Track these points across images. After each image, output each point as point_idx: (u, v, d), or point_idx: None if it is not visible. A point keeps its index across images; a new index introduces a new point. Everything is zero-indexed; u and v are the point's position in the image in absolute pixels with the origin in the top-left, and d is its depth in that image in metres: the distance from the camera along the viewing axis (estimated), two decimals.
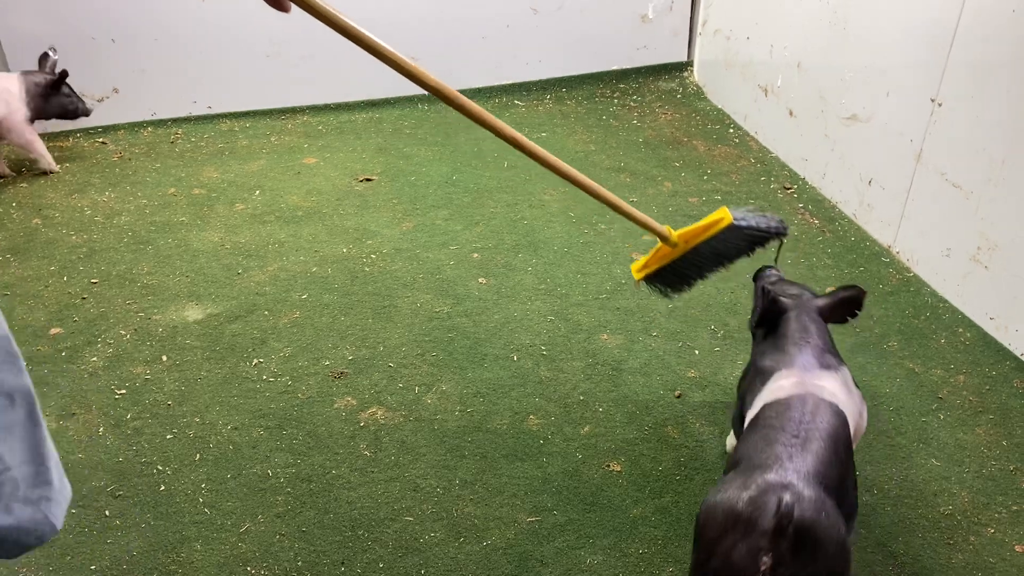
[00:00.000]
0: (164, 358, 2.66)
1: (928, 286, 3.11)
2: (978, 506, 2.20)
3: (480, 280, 3.09)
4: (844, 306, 2.11)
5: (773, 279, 2.35)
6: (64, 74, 3.69)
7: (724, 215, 2.21)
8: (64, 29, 4.08)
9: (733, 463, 1.76)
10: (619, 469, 2.29)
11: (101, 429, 2.38)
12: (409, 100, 4.72)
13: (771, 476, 1.60)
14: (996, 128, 2.74)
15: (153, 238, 3.33)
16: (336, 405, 2.49)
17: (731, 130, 4.46)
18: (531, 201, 3.68)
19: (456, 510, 2.15)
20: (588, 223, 3.49)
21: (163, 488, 2.20)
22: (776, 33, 4.05)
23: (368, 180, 3.85)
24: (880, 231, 3.39)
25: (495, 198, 3.69)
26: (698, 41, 4.96)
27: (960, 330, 2.88)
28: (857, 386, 1.99)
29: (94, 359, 2.65)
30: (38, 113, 3.73)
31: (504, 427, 2.42)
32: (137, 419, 2.42)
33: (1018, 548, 2.08)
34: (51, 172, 3.81)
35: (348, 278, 3.08)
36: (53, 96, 3.72)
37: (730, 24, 4.53)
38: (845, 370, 1.96)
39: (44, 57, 3.75)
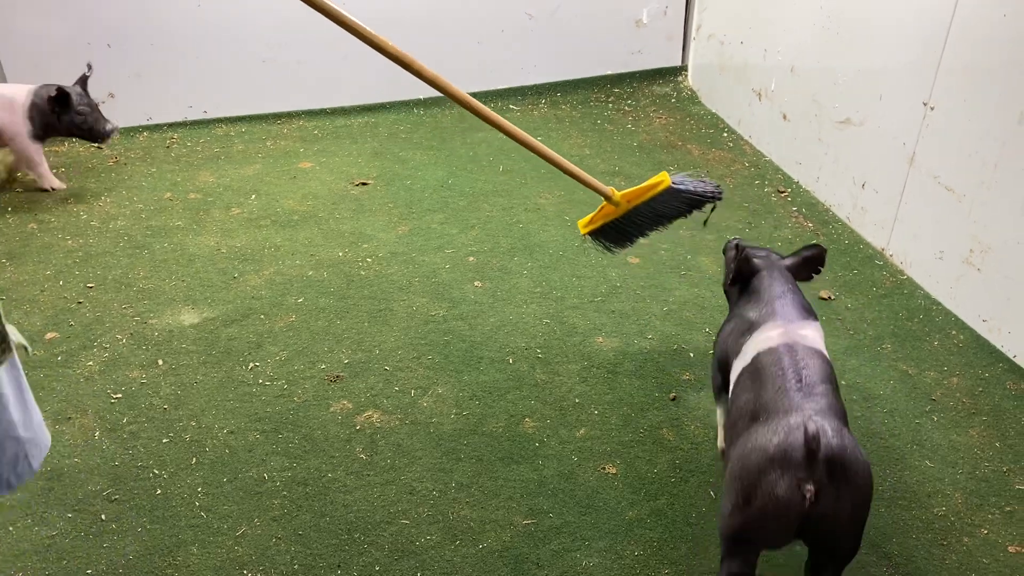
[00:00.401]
0: (160, 362, 2.67)
1: (921, 288, 3.12)
2: (971, 507, 2.21)
3: (476, 283, 3.10)
4: (809, 264, 2.32)
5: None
6: (60, 90, 3.46)
7: (663, 179, 2.47)
8: (59, 34, 4.08)
9: (738, 413, 1.91)
10: (614, 471, 2.29)
11: (97, 433, 2.38)
12: (404, 104, 4.73)
13: (792, 419, 1.72)
14: (988, 131, 2.75)
15: (149, 243, 3.33)
16: (332, 409, 2.49)
17: (725, 134, 4.47)
18: (527, 205, 3.69)
19: (452, 513, 2.16)
20: None
21: (159, 492, 2.20)
22: (769, 37, 4.07)
23: (364, 184, 3.86)
24: (874, 234, 3.41)
25: (491, 202, 3.70)
26: (692, 46, 4.98)
27: (953, 332, 2.90)
28: None
29: (90, 363, 2.65)
30: (45, 130, 3.55)
31: (500, 430, 2.43)
32: (133, 423, 2.42)
33: (1011, 549, 2.09)
34: (53, 189, 3.70)
35: (344, 282, 3.09)
36: (63, 113, 3.50)
37: (724, 29, 4.55)
38: (818, 323, 2.12)
39: (84, 74, 3.59)
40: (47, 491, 2.18)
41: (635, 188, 2.52)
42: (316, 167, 4.01)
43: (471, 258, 3.26)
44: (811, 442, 1.61)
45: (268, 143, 4.26)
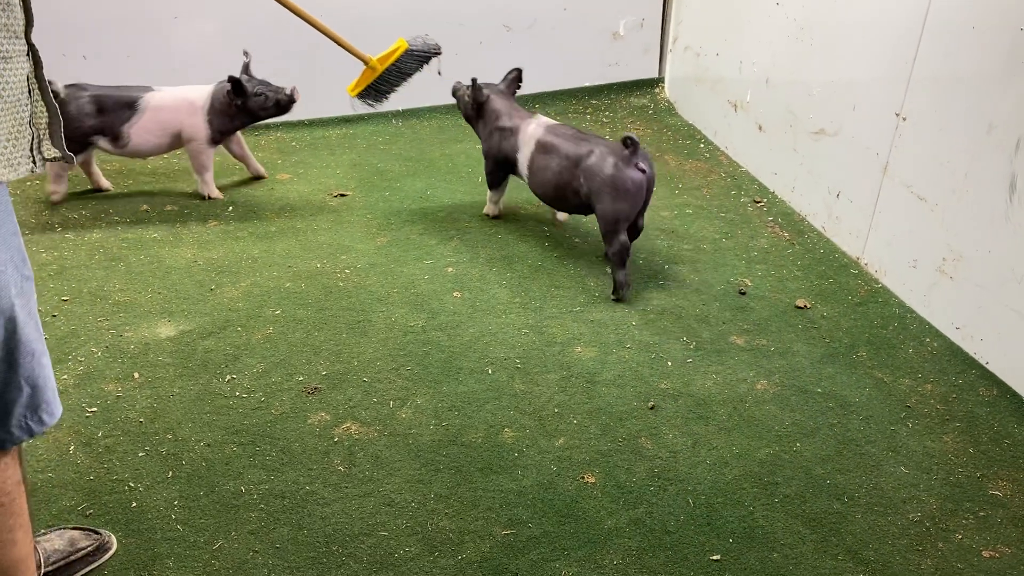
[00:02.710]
0: (136, 375, 2.64)
1: (896, 297, 3.16)
2: (946, 513, 2.23)
3: (455, 294, 3.10)
4: (514, 83, 3.59)
5: (465, 86, 3.56)
6: (232, 79, 3.53)
7: (402, 43, 3.45)
8: (36, 44, 4.05)
9: (556, 172, 3.19)
10: (593, 481, 2.30)
11: (72, 448, 2.35)
12: (383, 116, 4.73)
13: (606, 147, 3.07)
14: (958, 141, 2.80)
15: (125, 255, 3.30)
16: (310, 421, 2.48)
17: (702, 145, 4.51)
18: (505, 215, 3.70)
19: (431, 524, 2.15)
20: (562, 237, 3.52)
21: (135, 505, 2.18)
22: (745, 49, 4.12)
23: (342, 195, 3.85)
24: (848, 243, 3.45)
25: (469, 212, 3.71)
26: (669, 58, 5.03)
27: (927, 340, 2.93)
28: None
29: (64, 377, 2.62)
30: (222, 132, 3.62)
31: (479, 440, 2.43)
32: (108, 437, 2.39)
33: (985, 554, 2.11)
34: (210, 198, 3.74)
35: (322, 293, 3.08)
36: (246, 101, 3.57)
37: (700, 41, 4.59)
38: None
39: (245, 60, 3.64)
40: None
41: (385, 52, 3.43)
42: (294, 179, 4.00)
43: (450, 269, 3.26)
44: (631, 141, 2.94)
45: None
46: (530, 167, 3.28)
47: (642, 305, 3.07)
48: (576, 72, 5.04)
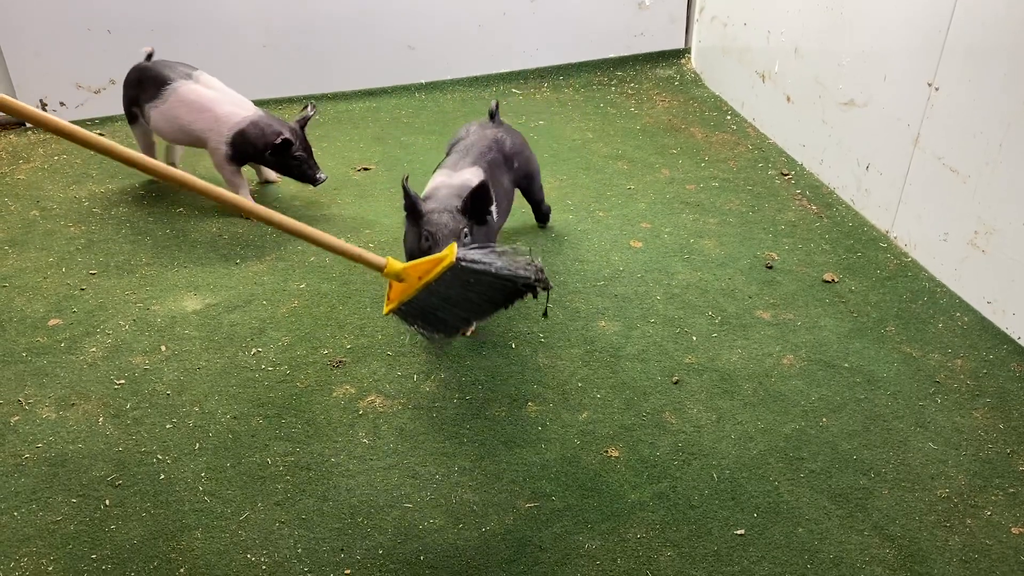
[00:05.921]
0: (163, 348, 2.67)
1: (926, 271, 3.11)
2: (975, 489, 2.21)
3: None
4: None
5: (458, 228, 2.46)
6: (284, 144, 3.22)
7: (450, 252, 1.99)
8: (60, 20, 4.07)
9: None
10: (617, 455, 2.29)
11: (101, 419, 2.39)
12: (406, 89, 4.71)
13: (495, 133, 2.94)
14: (993, 112, 2.73)
15: (151, 229, 3.33)
16: (335, 393, 2.49)
17: (729, 117, 4.45)
18: None
19: (455, 497, 2.16)
20: (585, 211, 3.49)
21: (163, 477, 2.21)
22: (773, 19, 4.04)
23: (366, 169, 3.84)
24: (878, 216, 3.39)
25: None
26: (695, 28, 4.95)
27: (958, 314, 2.88)
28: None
29: (93, 350, 2.65)
30: (244, 158, 3.36)
31: (502, 414, 2.43)
32: (136, 409, 2.42)
33: (1015, 530, 2.09)
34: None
35: (346, 267, 3.08)
36: (280, 158, 3.30)
37: (727, 10, 4.51)
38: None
39: (306, 115, 3.38)
40: (51, 476, 2.19)
41: (422, 260, 2.05)
42: (318, 153, 4.00)
43: None
44: (496, 105, 3.06)
45: None
46: (497, 204, 2.73)
47: (667, 279, 3.05)
48: (601, 43, 4.98)
